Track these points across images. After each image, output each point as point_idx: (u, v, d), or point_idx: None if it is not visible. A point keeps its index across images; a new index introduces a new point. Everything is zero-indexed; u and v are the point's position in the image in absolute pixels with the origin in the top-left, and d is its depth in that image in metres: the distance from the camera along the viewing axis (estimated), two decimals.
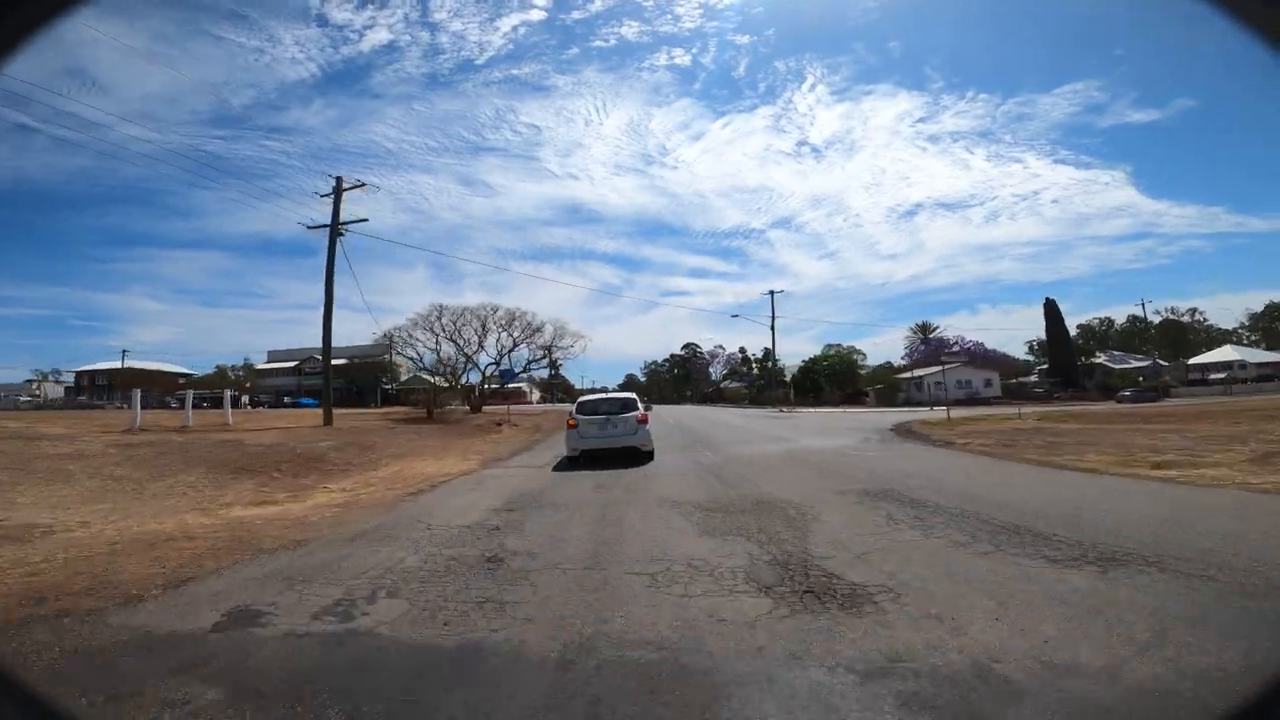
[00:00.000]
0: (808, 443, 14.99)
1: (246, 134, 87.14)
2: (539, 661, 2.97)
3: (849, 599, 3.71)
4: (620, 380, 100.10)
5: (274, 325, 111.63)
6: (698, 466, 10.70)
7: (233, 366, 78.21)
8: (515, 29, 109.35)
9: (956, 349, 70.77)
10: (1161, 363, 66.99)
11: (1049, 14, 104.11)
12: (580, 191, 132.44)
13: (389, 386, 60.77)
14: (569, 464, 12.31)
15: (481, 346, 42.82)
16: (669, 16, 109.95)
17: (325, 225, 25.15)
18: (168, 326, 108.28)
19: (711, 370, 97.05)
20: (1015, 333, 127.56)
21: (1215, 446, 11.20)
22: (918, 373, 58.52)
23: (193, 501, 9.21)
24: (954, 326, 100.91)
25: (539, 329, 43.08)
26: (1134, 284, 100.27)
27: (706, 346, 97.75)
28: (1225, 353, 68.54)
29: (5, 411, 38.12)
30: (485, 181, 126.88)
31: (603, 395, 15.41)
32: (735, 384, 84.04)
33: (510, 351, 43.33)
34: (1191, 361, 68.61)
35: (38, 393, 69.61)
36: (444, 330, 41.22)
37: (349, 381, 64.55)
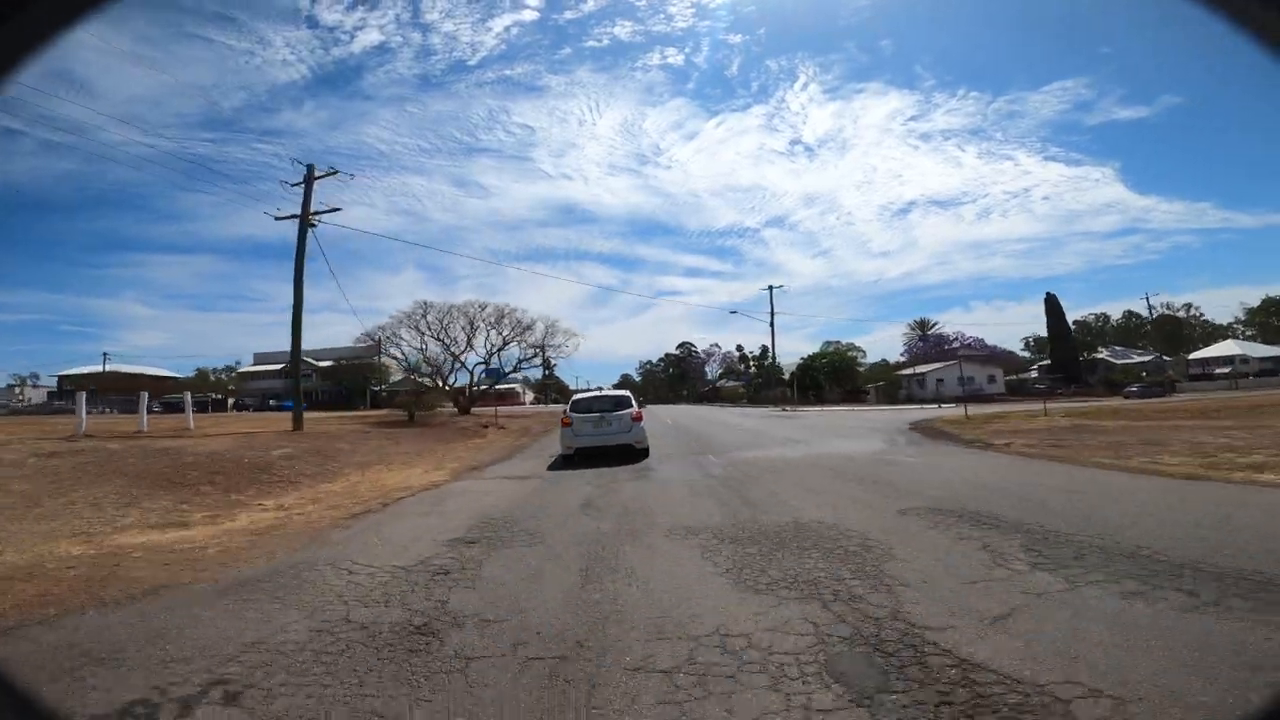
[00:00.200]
0: (828, 445, 13.28)
1: (237, 136, 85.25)
2: None
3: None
4: (615, 380, 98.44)
5: (267, 328, 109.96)
6: (708, 478, 8.95)
7: (214, 370, 75.79)
8: (508, 29, 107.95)
9: (957, 345, 69.71)
10: (1164, 358, 66.04)
11: (1037, 12, 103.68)
12: (574, 192, 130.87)
13: (379, 388, 58.80)
14: (558, 470, 10.63)
15: (470, 346, 40.93)
16: (661, 16, 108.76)
17: (295, 216, 23.31)
18: (159, 331, 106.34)
19: (707, 369, 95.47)
20: (1009, 329, 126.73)
21: None
22: (919, 369, 57.14)
23: (83, 524, 7.38)
24: (952, 322, 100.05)
25: (529, 327, 41.22)
26: (1124, 280, 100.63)
27: (702, 346, 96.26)
28: (1227, 347, 67.84)
29: None
30: (479, 183, 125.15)
31: (597, 394, 14.89)
32: (732, 383, 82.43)
33: (500, 351, 41.48)
34: (1192, 357, 67.90)
35: (22, 398, 67.29)
36: (429, 329, 39.39)
37: (337, 384, 62.52)
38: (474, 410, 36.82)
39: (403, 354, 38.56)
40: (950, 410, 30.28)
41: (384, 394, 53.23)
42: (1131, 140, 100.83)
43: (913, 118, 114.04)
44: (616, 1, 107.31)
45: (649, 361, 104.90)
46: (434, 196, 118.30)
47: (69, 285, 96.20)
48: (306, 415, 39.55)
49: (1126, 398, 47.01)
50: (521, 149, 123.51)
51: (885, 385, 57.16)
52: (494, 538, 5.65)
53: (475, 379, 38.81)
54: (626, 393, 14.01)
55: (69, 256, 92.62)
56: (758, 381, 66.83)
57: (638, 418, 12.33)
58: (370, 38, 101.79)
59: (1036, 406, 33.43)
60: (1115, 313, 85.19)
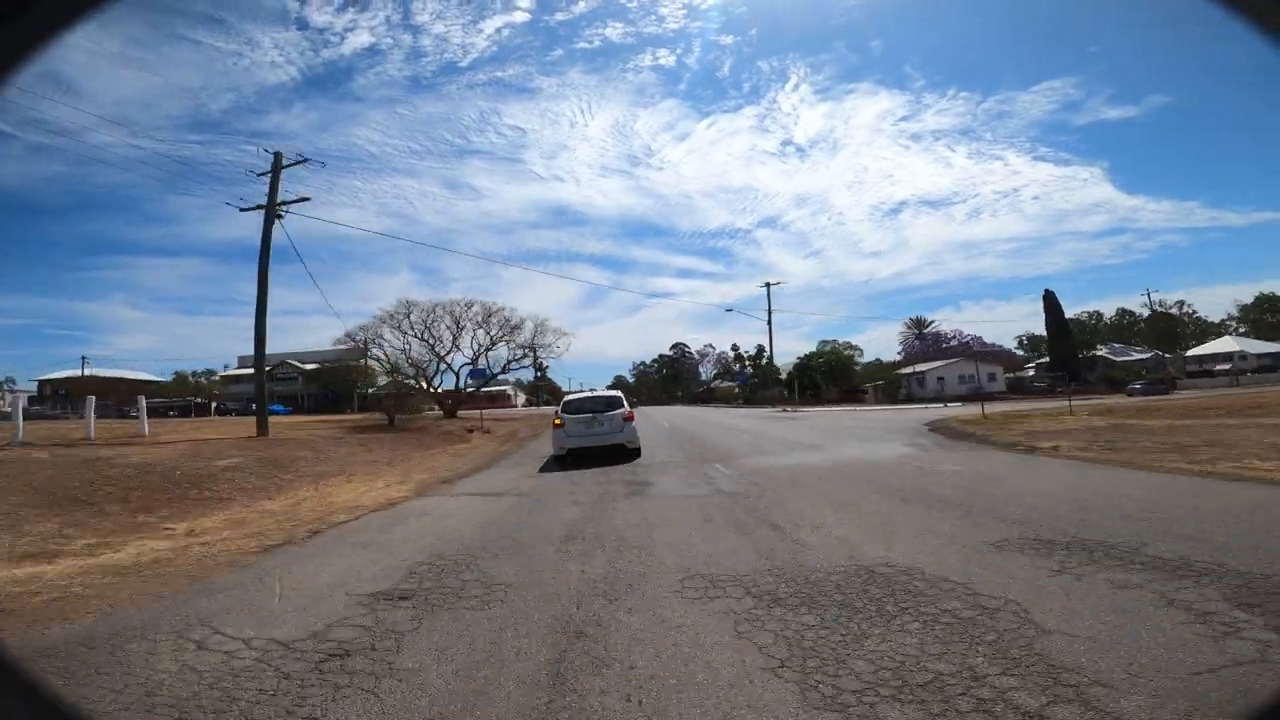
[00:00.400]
0: (847, 450, 11.74)
1: (225, 139, 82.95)
2: None
3: None
4: (609, 382, 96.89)
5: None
6: (719, 494, 7.37)
7: (194, 373, 73.48)
8: (499, 31, 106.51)
9: (954, 343, 68.69)
10: (1163, 355, 65.37)
11: (1026, 11, 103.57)
12: (566, 193, 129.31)
13: (366, 391, 56.92)
14: (542, 482, 9.07)
15: (456, 346, 39.24)
16: (653, 17, 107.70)
17: (260, 207, 21.63)
18: (147, 334, 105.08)
19: (701, 370, 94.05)
20: (1003, 327, 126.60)
21: None
22: (919, 368, 55.95)
23: None
24: (944, 322, 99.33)
25: (518, 326, 39.54)
26: (1113, 279, 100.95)
27: (696, 346, 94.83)
28: (1225, 343, 67.28)
29: None
30: (470, 184, 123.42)
31: (588, 394, 14.61)
32: (727, 383, 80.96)
33: (487, 351, 39.76)
34: (1190, 353, 67.33)
35: (2, 403, 64.90)
36: (413, 329, 37.62)
37: (323, 387, 60.65)
38: (461, 413, 35.13)
39: (385, 355, 36.81)
40: (960, 409, 28.92)
41: (371, 397, 51.31)
42: (1119, 140, 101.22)
43: (903, 118, 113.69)
44: (608, 3, 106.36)
45: (642, 362, 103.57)
46: (425, 198, 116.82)
47: (56, 289, 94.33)
48: (286, 420, 37.69)
49: (1129, 395, 46.14)
50: (513, 151, 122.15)
51: (884, 384, 55.89)
52: (437, 589, 4.05)
53: (461, 381, 37.04)
54: (618, 393, 13.66)
55: (56, 260, 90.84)
56: (754, 382, 65.32)
57: (629, 418, 12.16)
58: (360, 39, 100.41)
59: (1048, 404, 32.22)
60: (1105, 312, 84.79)
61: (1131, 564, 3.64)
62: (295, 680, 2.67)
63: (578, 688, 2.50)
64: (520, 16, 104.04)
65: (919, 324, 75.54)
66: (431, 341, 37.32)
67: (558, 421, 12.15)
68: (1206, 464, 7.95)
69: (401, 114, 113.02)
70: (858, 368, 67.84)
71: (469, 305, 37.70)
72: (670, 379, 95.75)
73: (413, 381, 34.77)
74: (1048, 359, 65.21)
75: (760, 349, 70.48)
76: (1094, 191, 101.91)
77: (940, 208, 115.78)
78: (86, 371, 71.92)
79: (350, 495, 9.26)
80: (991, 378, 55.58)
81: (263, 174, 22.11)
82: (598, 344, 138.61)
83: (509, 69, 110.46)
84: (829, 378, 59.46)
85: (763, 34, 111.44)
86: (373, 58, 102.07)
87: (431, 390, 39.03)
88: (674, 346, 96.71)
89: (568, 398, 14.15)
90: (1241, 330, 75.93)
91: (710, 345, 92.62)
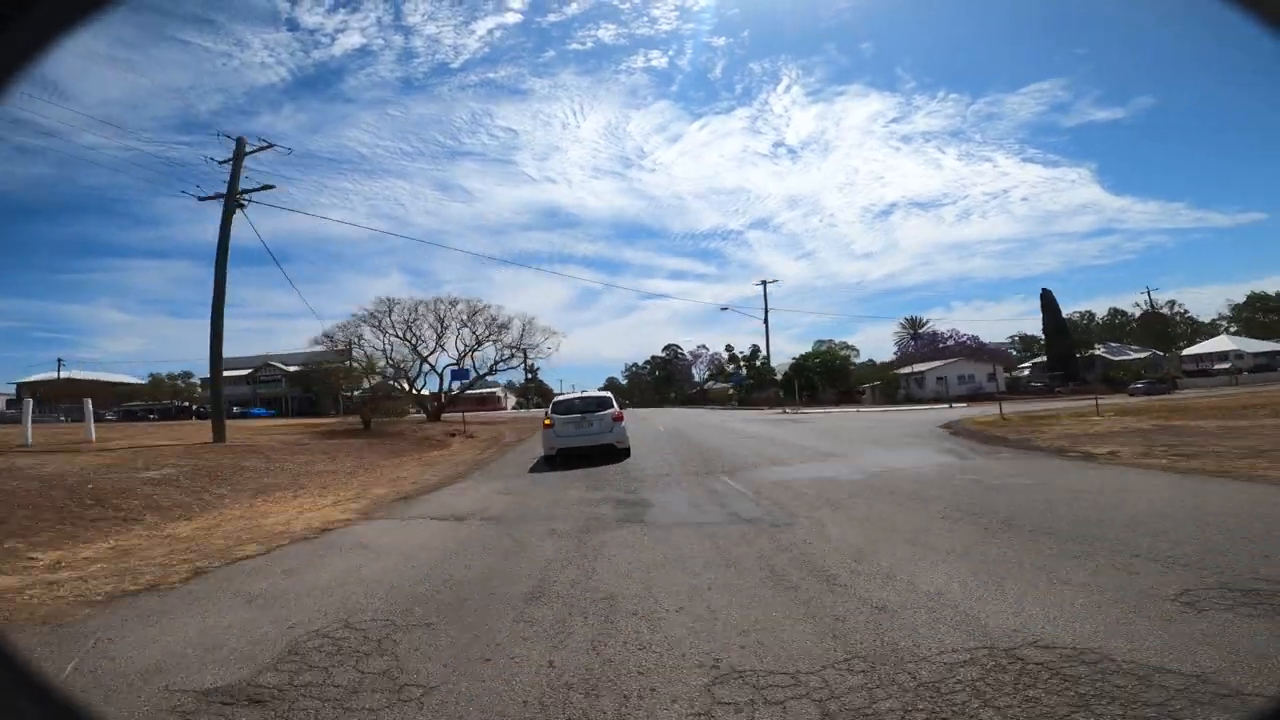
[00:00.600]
0: (871, 457, 10.25)
1: (214, 140, 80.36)
2: None
3: None
4: (602, 384, 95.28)
5: (245, 334, 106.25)
6: (737, 521, 5.81)
7: (170, 375, 71.09)
8: (491, 32, 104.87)
9: (951, 343, 67.74)
10: (1160, 354, 64.82)
11: (1015, 13, 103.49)
12: (558, 195, 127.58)
13: (352, 394, 55.07)
14: (516, 499, 7.52)
15: (440, 346, 37.52)
16: (645, 19, 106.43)
17: (219, 195, 19.95)
18: (136, 337, 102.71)
19: (694, 371, 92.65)
20: (995, 327, 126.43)
21: None
22: (918, 368, 54.83)
23: None
24: (936, 323, 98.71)
25: (505, 325, 37.90)
26: (1100, 280, 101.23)
27: (688, 348, 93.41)
28: (1221, 342, 67.00)
29: None
30: (462, 186, 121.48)
31: (578, 395, 14.55)
32: (720, 385, 79.54)
33: (473, 351, 38.06)
34: (1185, 352, 66.94)
35: None
36: (394, 328, 35.86)
37: (307, 390, 58.74)
38: (447, 417, 33.40)
39: (366, 355, 35.00)
40: (969, 410, 27.63)
41: (355, 399, 49.37)
42: (1107, 141, 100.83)
43: (894, 119, 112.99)
44: (600, 4, 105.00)
45: (635, 364, 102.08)
46: (417, 200, 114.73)
47: (42, 291, 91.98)
48: (261, 424, 35.65)
49: (1131, 395, 45.42)
50: (505, 152, 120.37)
51: (882, 385, 54.69)
52: (314, 688, 2.51)
53: (445, 382, 35.34)
54: (608, 394, 13.62)
55: (42, 262, 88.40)
56: (749, 383, 63.92)
57: (618, 418, 12.13)
58: (352, 40, 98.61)
59: (1058, 405, 31.01)
60: (1096, 312, 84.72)
61: None
62: None
63: None
64: (512, 18, 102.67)
65: (914, 324, 74.64)
66: (414, 341, 35.62)
67: (548, 422, 12.18)
68: None
69: (393, 115, 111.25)
70: (853, 368, 66.71)
71: (453, 303, 36.03)
72: (663, 381, 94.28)
73: (392, 383, 33.00)
74: (1045, 359, 64.46)
75: (755, 349, 69.23)
76: (1082, 193, 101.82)
77: (930, 209, 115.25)
78: (64, 374, 69.47)
79: (284, 516, 7.65)
80: (991, 378, 54.60)
81: (224, 161, 20.39)
82: (590, 346, 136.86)
83: (501, 70, 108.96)
84: (825, 378, 58.21)
85: (755, 36, 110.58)
86: (364, 59, 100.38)
87: (414, 392, 37.29)
88: (666, 348, 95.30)
89: (557, 398, 14.22)
90: (1233, 329, 75.95)
91: (703, 346, 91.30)
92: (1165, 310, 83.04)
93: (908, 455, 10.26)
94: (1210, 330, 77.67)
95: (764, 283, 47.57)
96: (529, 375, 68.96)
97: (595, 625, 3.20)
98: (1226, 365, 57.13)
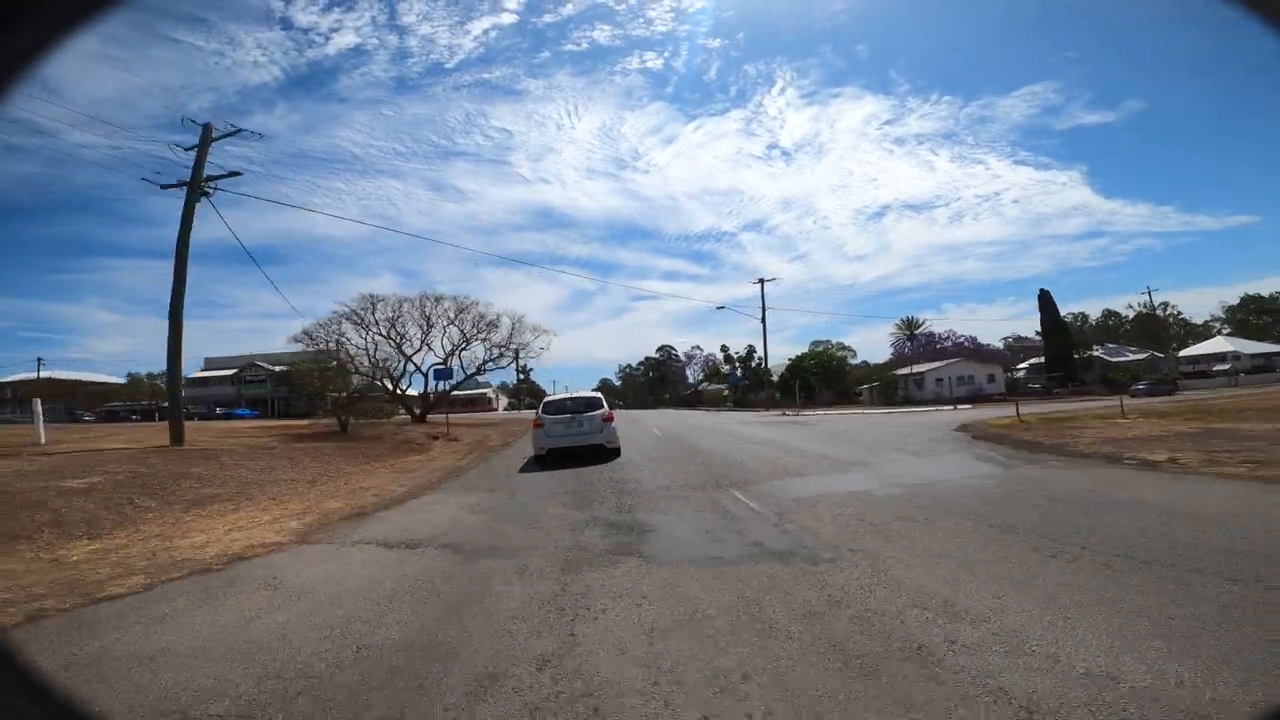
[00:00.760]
0: (905, 468, 9.00)
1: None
2: None
3: None
4: (595, 385, 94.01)
5: (239, 334, 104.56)
6: (765, 557, 4.55)
7: (149, 375, 69.07)
8: (486, 32, 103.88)
9: (949, 344, 66.92)
10: (1159, 355, 64.36)
11: (1008, 17, 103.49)
12: (552, 196, 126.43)
13: (326, 394, 53.37)
14: (489, 518, 6.25)
15: (426, 345, 36.09)
16: (641, 20, 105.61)
17: (182, 184, 18.55)
18: (125, 337, 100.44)
19: (688, 373, 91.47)
20: (989, 327, 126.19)
21: None
22: (917, 369, 53.88)
23: None
24: (938, 321, 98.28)
25: (494, 323, 36.52)
26: (1091, 282, 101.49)
27: (682, 349, 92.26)
28: (1218, 343, 66.74)
29: None
30: (455, 186, 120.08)
31: (568, 396, 14.25)
32: (715, 386, 78.35)
33: (461, 350, 36.63)
34: (1182, 354, 66.59)
35: None
36: (377, 325, 34.39)
37: (292, 390, 57.26)
38: (433, 418, 31.95)
39: (348, 354, 33.49)
40: (978, 412, 26.56)
41: (331, 401, 47.76)
42: (1098, 144, 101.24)
43: (887, 122, 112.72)
44: (596, 5, 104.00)
45: (628, 365, 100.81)
46: (410, 200, 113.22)
47: (30, 291, 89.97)
48: (241, 425, 34.05)
49: (1133, 396, 44.67)
50: (499, 153, 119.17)
51: (880, 386, 53.71)
52: None
53: (429, 382, 33.93)
54: (598, 394, 13.54)
55: (30, 261, 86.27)
56: (744, 384, 62.74)
57: (608, 418, 12.04)
58: (346, 40, 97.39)
59: (1067, 406, 30.07)
60: (1089, 313, 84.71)
61: None
62: None
63: None
64: (508, 18, 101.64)
65: (910, 325, 73.77)
66: (397, 340, 34.19)
67: (538, 422, 12.08)
68: None
69: (386, 115, 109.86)
70: (849, 369, 65.72)
71: (439, 300, 34.63)
72: (656, 382, 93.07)
73: (378, 382, 31.57)
74: (1042, 360, 63.78)
75: (751, 350, 68.17)
76: (1072, 195, 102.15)
77: (923, 211, 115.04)
78: (43, 373, 67.35)
79: (206, 536, 6.32)
80: (991, 379, 53.78)
81: (190, 148, 18.97)
82: (584, 347, 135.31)
83: (496, 71, 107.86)
84: (821, 379, 57.17)
85: (750, 38, 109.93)
86: (358, 58, 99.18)
87: (399, 392, 35.83)
88: (660, 349, 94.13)
89: (547, 399, 14.10)
90: (1226, 331, 76.03)
91: (697, 347, 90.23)
92: (1158, 312, 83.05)
93: (941, 463, 9.06)
94: (1203, 332, 77.71)
95: (761, 281, 46.45)
96: (521, 376, 67.55)
97: None
98: (1226, 366, 56.67)
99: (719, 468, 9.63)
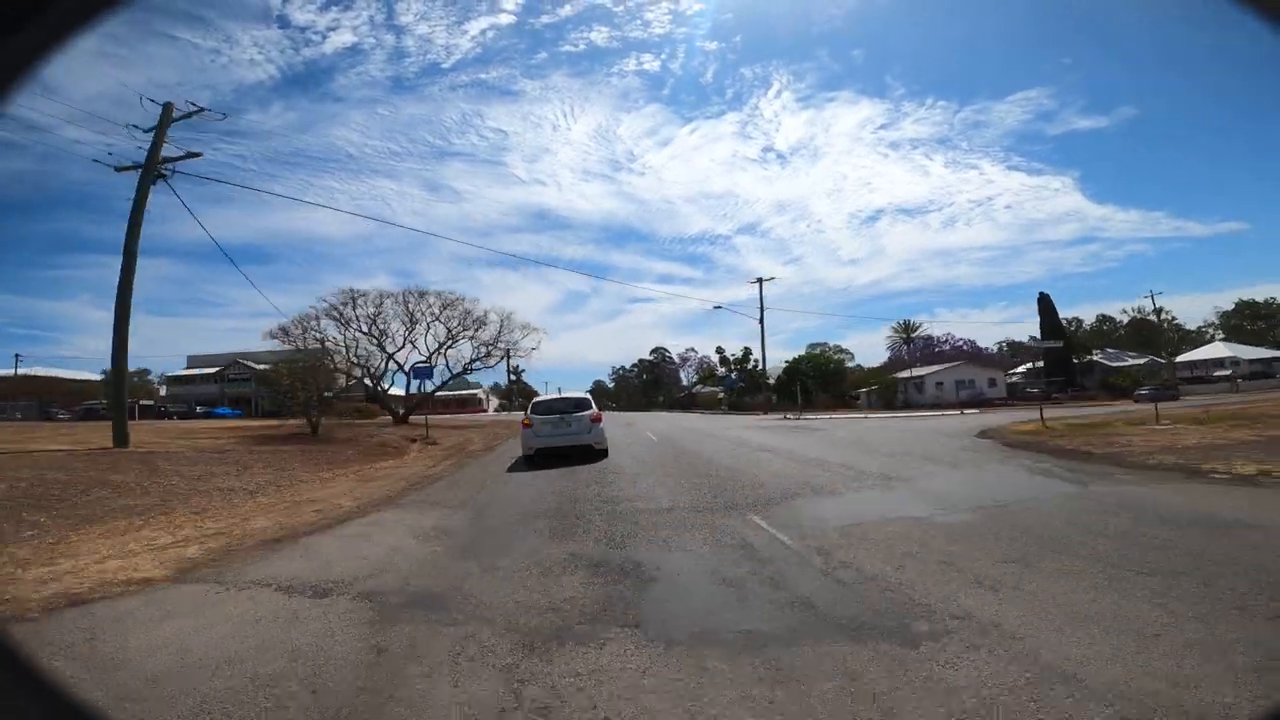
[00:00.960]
0: (951, 483, 7.55)
1: (200, 137, 77.03)
2: None
3: None
4: (589, 387, 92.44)
5: (230, 334, 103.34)
6: (816, 624, 3.08)
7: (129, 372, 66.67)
8: (483, 33, 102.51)
9: (947, 348, 65.96)
10: (1159, 360, 63.74)
11: (1004, 22, 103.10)
12: (548, 197, 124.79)
13: (309, 394, 51.55)
14: (442, 549, 4.79)
15: (410, 342, 34.48)
16: (639, 22, 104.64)
17: (137, 166, 17.02)
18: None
19: (682, 375, 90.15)
20: (982, 331, 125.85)
21: None
22: (917, 372, 52.76)
23: None
24: (937, 324, 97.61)
25: (481, 320, 34.95)
26: (1082, 288, 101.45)
27: (676, 351, 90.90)
28: (1215, 349, 66.38)
29: None
30: (451, 186, 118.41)
31: (557, 396, 14.64)
32: (709, 388, 77.01)
33: (446, 348, 35.03)
34: (1180, 359, 66.11)
35: None
36: (358, 320, 32.76)
37: (270, 389, 55.40)
38: (415, 419, 30.36)
39: (326, 351, 31.80)
40: (987, 417, 25.32)
41: (301, 400, 45.95)
42: (1090, 150, 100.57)
43: (882, 126, 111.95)
44: (594, 7, 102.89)
45: (622, 367, 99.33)
46: (404, 200, 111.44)
47: (20, 287, 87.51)
48: (214, 425, 32.24)
49: (1137, 401, 43.84)
50: (494, 153, 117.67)
51: (880, 389, 52.51)
52: None
53: (411, 382, 32.29)
54: (587, 396, 13.53)
55: (20, 258, 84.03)
56: (741, 387, 61.37)
57: (597, 419, 12.09)
58: (343, 39, 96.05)
59: (1079, 411, 28.85)
60: (1083, 319, 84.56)
61: None
62: None
63: None
64: (505, 19, 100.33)
65: (907, 328, 72.80)
66: (379, 337, 32.58)
67: (527, 422, 12.16)
68: None
69: (382, 115, 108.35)
70: (847, 372, 64.57)
71: (422, 295, 33.06)
72: (650, 384, 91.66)
73: (349, 379, 29.93)
74: (1041, 364, 62.98)
75: (747, 352, 66.86)
76: (1064, 201, 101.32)
77: (916, 216, 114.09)
78: (21, 370, 65.05)
79: (76, 562, 4.80)
80: (992, 383, 52.74)
81: (149, 129, 17.39)
82: (577, 349, 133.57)
83: (493, 71, 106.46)
84: (818, 382, 55.92)
85: (747, 41, 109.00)
86: (354, 57, 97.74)
87: (381, 391, 34.22)
88: (654, 351, 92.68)
89: (536, 399, 14.36)
90: (1220, 337, 75.93)
91: (692, 349, 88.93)
92: (1152, 317, 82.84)
93: (990, 478, 7.65)
94: (1196, 338, 77.54)
95: (760, 280, 45.15)
96: (513, 377, 65.87)
97: None
98: (1227, 372, 56.09)
99: (728, 482, 8.14)
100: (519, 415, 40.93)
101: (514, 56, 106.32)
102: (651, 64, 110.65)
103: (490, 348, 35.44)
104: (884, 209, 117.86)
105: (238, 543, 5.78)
